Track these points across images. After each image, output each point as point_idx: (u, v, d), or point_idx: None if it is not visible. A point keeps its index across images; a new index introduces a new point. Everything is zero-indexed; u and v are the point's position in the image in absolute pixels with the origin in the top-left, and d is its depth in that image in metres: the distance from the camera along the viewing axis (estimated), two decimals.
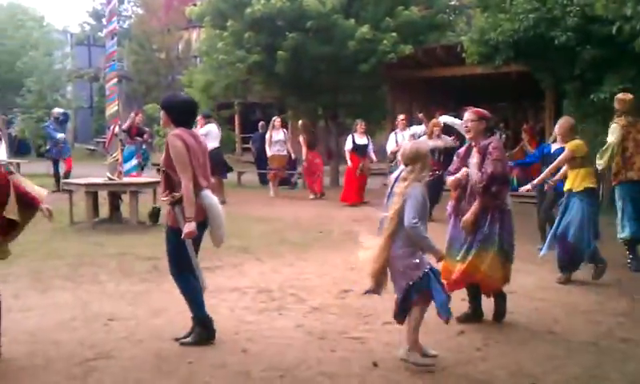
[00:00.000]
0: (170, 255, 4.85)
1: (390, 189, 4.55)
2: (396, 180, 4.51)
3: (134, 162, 14.67)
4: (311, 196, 14.50)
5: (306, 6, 15.45)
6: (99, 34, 35.28)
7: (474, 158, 5.24)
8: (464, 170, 5.28)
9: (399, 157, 4.66)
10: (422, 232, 4.32)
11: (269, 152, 15.55)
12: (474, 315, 5.46)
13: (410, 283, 4.33)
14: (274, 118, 16.14)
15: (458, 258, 5.27)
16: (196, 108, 5.27)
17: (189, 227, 4.56)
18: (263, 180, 17.56)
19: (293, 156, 16.25)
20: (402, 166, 4.57)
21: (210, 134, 12.67)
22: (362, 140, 13.50)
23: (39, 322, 5.33)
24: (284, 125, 17.29)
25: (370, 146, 13.69)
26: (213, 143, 12.16)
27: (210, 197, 4.74)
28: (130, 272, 7.16)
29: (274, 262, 7.82)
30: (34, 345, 4.77)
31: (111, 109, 10.62)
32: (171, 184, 4.70)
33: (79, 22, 42.69)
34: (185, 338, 4.83)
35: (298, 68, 16.28)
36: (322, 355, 4.64)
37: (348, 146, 13.56)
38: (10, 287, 6.24)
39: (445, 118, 11.90)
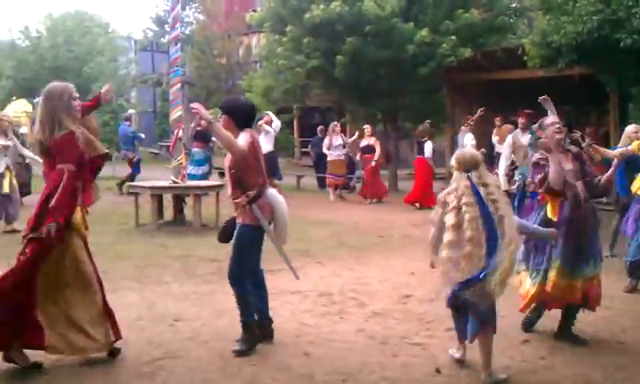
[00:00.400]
0: (239, 254, 4.81)
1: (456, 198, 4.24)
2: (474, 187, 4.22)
3: (206, 168, 14.84)
4: (368, 201, 14.55)
5: (364, 10, 15.48)
6: (162, 39, 36.10)
7: (568, 165, 5.00)
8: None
9: (455, 163, 4.40)
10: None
11: (328, 157, 15.62)
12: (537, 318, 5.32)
13: None
14: (333, 123, 16.18)
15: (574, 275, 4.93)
16: (255, 111, 5.34)
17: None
18: (322, 184, 17.65)
19: (353, 159, 16.32)
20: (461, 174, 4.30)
21: (269, 134, 12.94)
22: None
23: None
24: (342, 129, 17.35)
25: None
26: (266, 147, 12.41)
27: (276, 195, 4.88)
28: (194, 273, 7.32)
29: (334, 265, 7.86)
30: None
31: (175, 113, 10.88)
32: (242, 184, 4.76)
33: (142, 28, 43.80)
34: (238, 346, 4.77)
35: (356, 72, 16.32)
36: (384, 360, 4.65)
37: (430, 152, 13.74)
38: None
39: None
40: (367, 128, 15.65)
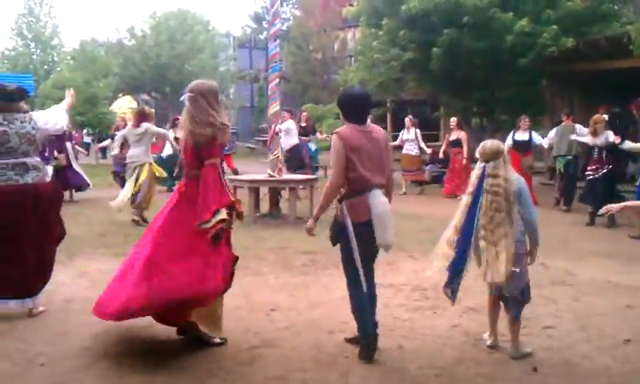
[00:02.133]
0: (344, 254, 4.67)
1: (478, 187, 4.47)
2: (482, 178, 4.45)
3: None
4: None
5: (462, 0, 15.22)
6: (259, 36, 36.86)
7: None
8: None
9: (478, 153, 4.56)
10: None
11: (403, 151, 15.51)
12: None
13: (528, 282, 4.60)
14: (407, 118, 15.99)
15: None
16: (368, 102, 4.82)
17: (310, 223, 4.67)
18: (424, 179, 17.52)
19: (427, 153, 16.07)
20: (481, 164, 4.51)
21: (289, 130, 12.83)
22: (523, 136, 13.05)
23: None
24: (436, 122, 17.13)
25: (536, 141, 13.18)
26: (292, 140, 12.48)
27: (377, 196, 4.50)
28: (290, 265, 7.49)
29: (428, 259, 7.75)
30: None
31: (273, 108, 11.13)
32: None
33: (241, 25, 44.87)
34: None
35: (452, 64, 16.07)
36: (480, 356, 4.61)
37: (507, 141, 13.22)
38: None
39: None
40: (453, 121, 15.32)
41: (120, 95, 32.93)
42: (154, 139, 11.01)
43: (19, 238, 5.19)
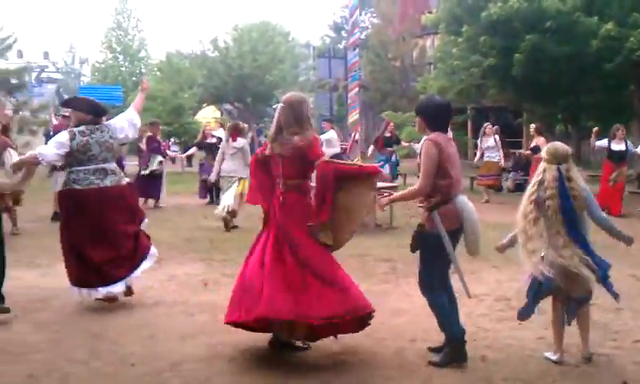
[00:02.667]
0: (423, 262, 4.67)
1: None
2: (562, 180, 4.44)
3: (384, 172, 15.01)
4: None
5: (545, 5, 14.94)
6: (338, 45, 37.10)
7: None
8: None
9: (547, 155, 4.57)
10: None
11: (484, 158, 15.13)
12: None
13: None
14: (485, 125, 15.57)
15: None
16: (450, 111, 4.93)
17: (385, 200, 4.79)
18: (500, 186, 17.21)
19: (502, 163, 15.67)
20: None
21: (331, 140, 12.53)
22: (619, 145, 12.59)
23: None
24: (519, 129, 16.76)
25: (633, 150, 12.70)
26: (333, 149, 12.31)
27: (466, 202, 4.57)
28: (370, 272, 7.51)
29: (511, 269, 7.65)
30: None
31: (353, 117, 11.21)
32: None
33: (320, 35, 45.38)
34: (436, 358, 4.64)
35: (535, 70, 15.75)
36: (566, 369, 4.50)
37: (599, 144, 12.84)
38: None
39: None
40: (532, 127, 14.88)
41: (204, 105, 33.86)
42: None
43: (110, 229, 5.77)
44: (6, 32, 19.14)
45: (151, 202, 13.40)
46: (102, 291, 5.77)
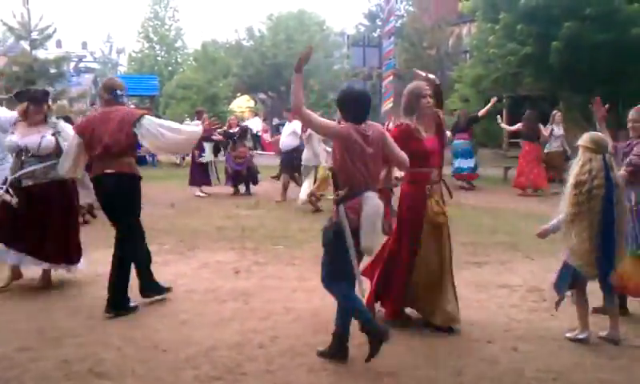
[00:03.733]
0: (325, 255, 4.44)
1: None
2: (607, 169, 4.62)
3: (472, 162, 14.86)
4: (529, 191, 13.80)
5: None
6: (373, 34, 36.90)
7: None
8: None
9: (592, 145, 4.69)
10: None
11: (547, 148, 14.50)
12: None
13: None
14: (554, 112, 14.83)
15: None
16: (368, 101, 4.51)
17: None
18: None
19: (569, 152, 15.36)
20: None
21: (295, 132, 11.97)
22: None
23: (321, 303, 5.50)
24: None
25: None
26: (294, 142, 12.02)
27: (372, 199, 4.23)
28: None
29: (545, 260, 7.55)
30: (319, 324, 5.09)
31: (387, 105, 11.18)
32: (336, 183, 4.35)
33: (354, 23, 45.14)
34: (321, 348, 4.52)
35: (573, 58, 15.43)
36: (600, 361, 4.44)
37: None
38: (296, 270, 6.96)
39: None
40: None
41: (238, 94, 34.02)
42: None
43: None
44: (45, 22, 19.39)
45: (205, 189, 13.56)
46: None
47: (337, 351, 4.45)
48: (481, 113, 14.96)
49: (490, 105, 15.02)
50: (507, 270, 7.12)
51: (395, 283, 5.10)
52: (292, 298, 5.89)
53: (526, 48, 15.96)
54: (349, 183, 4.24)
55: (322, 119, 4.60)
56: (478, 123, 15.59)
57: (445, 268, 5.13)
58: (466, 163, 14.57)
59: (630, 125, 5.52)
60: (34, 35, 18.99)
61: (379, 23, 36.54)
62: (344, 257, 4.23)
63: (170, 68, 38.50)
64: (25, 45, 19.61)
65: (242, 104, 37.65)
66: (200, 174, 13.39)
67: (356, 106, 4.41)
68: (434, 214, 5.01)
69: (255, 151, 15.60)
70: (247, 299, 5.86)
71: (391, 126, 11.55)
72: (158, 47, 40.76)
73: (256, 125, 23.82)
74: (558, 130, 14.28)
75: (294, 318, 5.31)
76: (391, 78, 11.44)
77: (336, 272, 4.35)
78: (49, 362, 4.37)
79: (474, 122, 15.29)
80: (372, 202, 4.21)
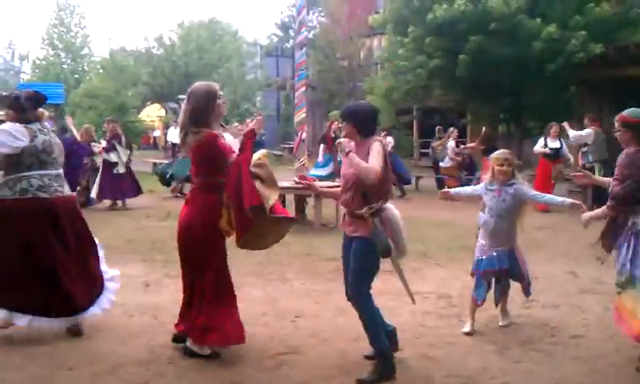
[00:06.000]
0: (360, 269, 4.43)
1: None
2: None
3: (329, 169, 15.03)
4: None
5: (489, 7, 15.17)
6: (286, 44, 37.06)
7: None
8: None
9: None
10: None
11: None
12: None
13: None
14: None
15: None
16: (377, 116, 4.79)
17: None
18: (440, 185, 17.50)
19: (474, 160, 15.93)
20: None
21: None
22: (554, 143, 12.98)
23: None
24: (462, 130, 16.98)
25: (564, 149, 13.12)
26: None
27: (392, 208, 4.46)
28: (315, 272, 7.49)
29: (454, 267, 7.77)
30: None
31: (299, 116, 11.18)
32: (366, 195, 4.30)
33: (268, 34, 45.20)
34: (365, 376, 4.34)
35: (479, 71, 16.00)
36: (506, 366, 4.56)
37: (537, 149, 13.14)
38: None
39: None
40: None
41: (148, 103, 33.28)
42: None
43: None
44: None
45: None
46: None
47: (384, 370, 4.30)
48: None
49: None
50: (419, 277, 7.24)
51: None
52: None
53: (435, 61, 16.40)
54: (383, 196, 4.36)
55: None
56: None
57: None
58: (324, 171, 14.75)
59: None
60: None
61: (292, 34, 36.76)
62: (376, 270, 4.45)
63: (76, 76, 37.17)
64: None
65: (152, 113, 36.88)
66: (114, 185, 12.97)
67: (374, 121, 4.57)
68: None
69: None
70: (157, 313, 5.70)
71: (304, 136, 11.62)
72: (63, 54, 39.31)
73: (176, 135, 23.38)
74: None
75: None
76: (304, 88, 11.45)
77: (369, 286, 4.47)
78: None
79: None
80: (393, 210, 4.46)
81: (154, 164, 22.35)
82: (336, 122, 15.66)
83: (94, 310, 5.17)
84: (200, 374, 4.37)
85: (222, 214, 4.55)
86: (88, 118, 23.09)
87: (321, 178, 13.48)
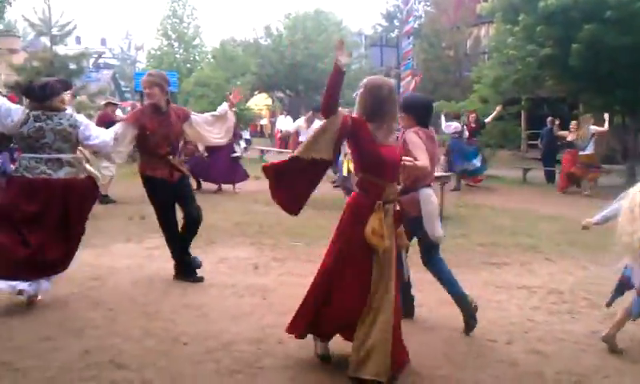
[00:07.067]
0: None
1: None
2: None
3: (478, 163, 14.85)
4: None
5: None
6: (390, 34, 36.85)
7: None
8: None
9: None
10: None
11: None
12: None
13: None
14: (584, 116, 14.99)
15: None
16: (432, 109, 5.46)
17: None
18: (550, 177, 16.93)
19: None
20: None
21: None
22: None
23: None
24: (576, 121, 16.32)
25: None
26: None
27: (429, 195, 4.93)
28: (417, 261, 7.43)
29: (565, 263, 7.54)
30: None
31: None
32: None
33: (372, 24, 45.15)
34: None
35: (593, 61, 15.29)
36: (622, 366, 4.40)
37: None
38: (315, 266, 6.84)
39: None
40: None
41: (256, 93, 34.05)
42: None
43: (44, 226, 5.28)
44: (65, 18, 19.58)
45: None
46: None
47: (469, 316, 4.97)
48: (487, 120, 15.16)
49: (495, 113, 15.13)
50: (527, 271, 7.07)
51: (305, 299, 4.35)
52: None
53: (546, 50, 15.85)
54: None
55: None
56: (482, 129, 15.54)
57: (371, 304, 4.01)
58: (472, 165, 14.54)
59: None
60: (55, 31, 19.16)
61: (397, 23, 36.52)
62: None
63: (188, 65, 38.55)
64: (45, 40, 19.77)
65: (259, 102, 37.72)
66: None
67: (431, 112, 5.24)
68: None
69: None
70: (265, 295, 5.88)
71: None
72: (176, 45, 40.88)
73: (287, 124, 23.93)
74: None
75: None
76: (409, 78, 11.39)
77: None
78: (70, 352, 4.39)
79: (482, 129, 15.31)
80: (431, 196, 4.93)
81: (261, 151, 22.94)
82: (474, 113, 15.41)
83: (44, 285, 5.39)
84: (309, 355, 4.46)
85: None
86: (200, 106, 23.89)
87: (474, 171, 13.61)
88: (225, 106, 6.58)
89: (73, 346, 4.50)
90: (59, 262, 5.41)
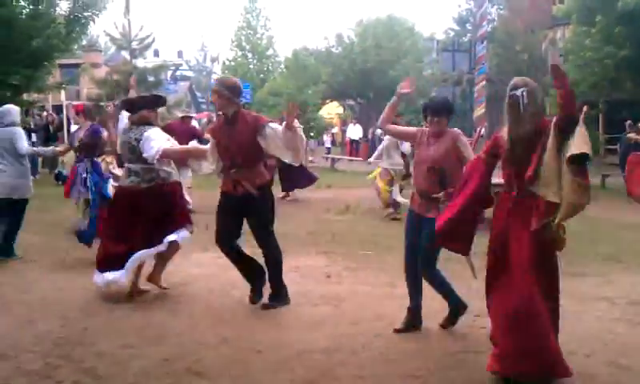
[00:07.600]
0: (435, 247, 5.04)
1: None
2: None
3: None
4: None
5: None
6: (463, 38, 36.36)
7: None
8: None
9: None
10: None
11: None
12: None
13: None
14: None
15: None
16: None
17: None
18: None
19: None
20: None
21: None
22: None
23: None
24: None
25: None
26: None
27: None
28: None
29: None
30: (411, 332, 5.11)
31: (479, 111, 11.01)
32: (444, 181, 4.90)
33: (444, 28, 44.63)
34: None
35: None
36: None
37: None
38: (387, 275, 6.95)
39: None
40: None
41: (327, 101, 34.27)
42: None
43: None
44: (144, 32, 20.32)
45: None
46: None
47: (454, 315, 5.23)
48: None
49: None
50: (607, 282, 6.86)
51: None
52: (383, 304, 5.89)
53: (624, 51, 15.34)
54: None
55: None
56: None
57: None
58: None
59: None
60: (134, 45, 19.90)
61: (469, 27, 35.98)
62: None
63: (261, 75, 39.25)
64: (125, 54, 20.53)
65: (331, 111, 37.95)
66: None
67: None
68: None
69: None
70: (339, 304, 5.93)
71: (483, 131, 11.40)
72: (250, 55, 41.66)
73: (356, 132, 24.06)
74: None
75: (385, 324, 5.29)
76: (483, 82, 11.24)
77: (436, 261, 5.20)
78: (149, 359, 4.55)
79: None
80: None
81: (332, 160, 23.09)
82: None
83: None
84: (383, 366, 4.47)
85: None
86: (272, 116, 24.36)
87: None
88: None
89: (152, 353, 4.67)
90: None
